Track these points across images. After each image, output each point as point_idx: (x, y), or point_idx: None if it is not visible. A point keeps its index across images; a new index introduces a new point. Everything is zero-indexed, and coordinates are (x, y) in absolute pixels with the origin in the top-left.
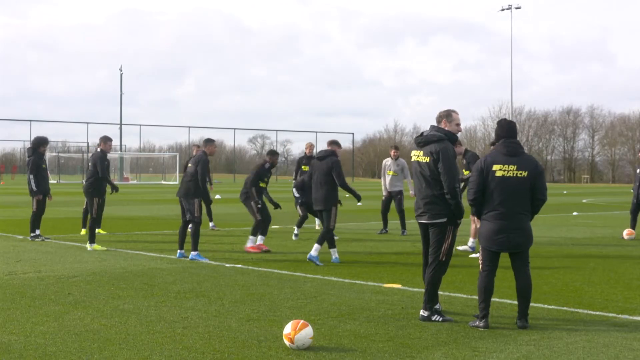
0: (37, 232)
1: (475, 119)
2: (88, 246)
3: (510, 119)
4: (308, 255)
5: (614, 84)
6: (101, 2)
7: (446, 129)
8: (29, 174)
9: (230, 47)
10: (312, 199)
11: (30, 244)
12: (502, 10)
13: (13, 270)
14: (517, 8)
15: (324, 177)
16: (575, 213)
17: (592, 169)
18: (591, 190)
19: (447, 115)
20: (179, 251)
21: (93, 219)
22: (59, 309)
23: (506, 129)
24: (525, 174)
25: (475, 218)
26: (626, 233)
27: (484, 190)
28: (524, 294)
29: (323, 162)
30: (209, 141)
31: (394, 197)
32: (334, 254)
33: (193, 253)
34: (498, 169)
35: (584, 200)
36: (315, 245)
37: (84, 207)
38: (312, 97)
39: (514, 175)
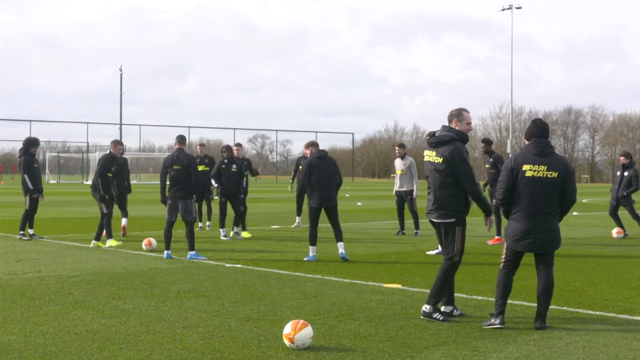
0: (31, 231)
1: (476, 119)
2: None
3: (511, 118)
4: (341, 256)
5: (629, 83)
6: (104, 0)
7: (457, 128)
8: (23, 173)
9: (236, 45)
10: (319, 197)
11: (31, 244)
12: (503, 10)
13: (13, 270)
14: (517, 8)
15: (331, 175)
16: (575, 213)
17: (592, 169)
18: (591, 190)
19: (458, 115)
20: (166, 252)
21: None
22: (59, 309)
23: (540, 129)
24: (555, 174)
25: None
26: (615, 232)
27: (513, 189)
28: (546, 295)
29: (325, 160)
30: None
31: (405, 197)
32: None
33: (191, 252)
34: (528, 169)
35: (584, 200)
36: (339, 244)
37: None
38: (317, 96)
39: (544, 175)
